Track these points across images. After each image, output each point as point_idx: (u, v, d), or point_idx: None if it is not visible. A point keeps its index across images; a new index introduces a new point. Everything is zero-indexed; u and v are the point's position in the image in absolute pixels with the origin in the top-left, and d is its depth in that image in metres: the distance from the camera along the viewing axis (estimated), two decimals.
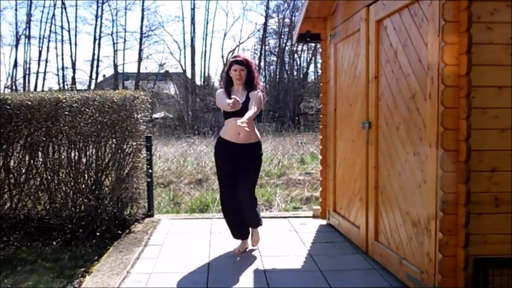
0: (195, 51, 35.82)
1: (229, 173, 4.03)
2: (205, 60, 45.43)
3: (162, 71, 36.00)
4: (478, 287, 2.72)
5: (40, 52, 33.45)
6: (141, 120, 5.02)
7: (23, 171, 4.84)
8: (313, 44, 24.44)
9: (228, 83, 4.11)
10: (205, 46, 40.98)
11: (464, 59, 2.64)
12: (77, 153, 4.81)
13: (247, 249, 4.18)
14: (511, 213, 2.77)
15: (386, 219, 3.59)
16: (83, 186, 4.87)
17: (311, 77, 35.38)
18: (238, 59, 4.07)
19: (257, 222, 4.17)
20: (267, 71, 36.82)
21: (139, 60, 34.78)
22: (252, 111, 3.79)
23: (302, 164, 10.45)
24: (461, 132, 2.67)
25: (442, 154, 2.73)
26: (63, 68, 34.60)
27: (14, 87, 32.02)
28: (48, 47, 34.05)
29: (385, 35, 3.60)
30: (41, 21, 38.36)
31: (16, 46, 34.30)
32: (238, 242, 4.21)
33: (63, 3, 34.39)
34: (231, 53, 37.45)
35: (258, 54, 36.17)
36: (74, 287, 3.55)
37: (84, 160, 4.83)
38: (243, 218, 4.09)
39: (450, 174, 2.71)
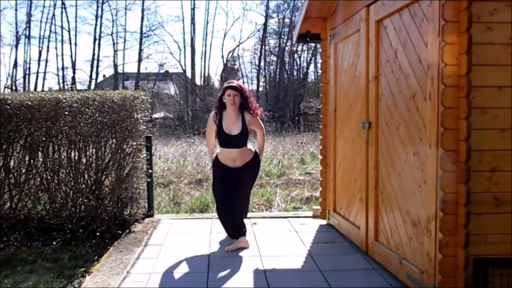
0: (195, 51, 35.86)
1: (226, 186, 4.25)
2: (205, 60, 45.47)
3: (162, 71, 36.02)
4: (478, 287, 2.72)
5: (40, 52, 33.48)
6: (141, 120, 5.02)
7: (23, 171, 4.84)
8: (313, 44, 24.45)
9: (221, 107, 4.28)
10: (205, 46, 40.99)
11: (464, 59, 2.64)
12: (77, 153, 4.81)
13: (243, 249, 4.18)
14: (511, 213, 2.77)
15: (386, 219, 3.59)
16: (83, 186, 4.86)
17: (311, 77, 35.40)
18: (232, 84, 4.25)
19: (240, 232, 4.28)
20: (267, 71, 36.85)
21: (139, 60, 34.80)
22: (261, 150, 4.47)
23: (302, 164, 10.45)
24: (461, 132, 2.67)
25: (442, 154, 2.72)
26: (63, 68, 34.63)
27: (14, 87, 32.03)
28: (48, 47, 34.08)
29: (385, 35, 3.60)
30: (41, 21, 38.35)
31: (16, 46, 34.33)
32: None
33: (63, 3, 34.42)
34: (231, 53, 37.53)
35: (258, 54, 36.18)
36: (74, 287, 3.55)
37: (84, 160, 4.83)
38: (238, 217, 4.28)
39: (450, 174, 2.71)
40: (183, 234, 4.75)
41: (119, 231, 4.78)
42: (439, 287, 2.78)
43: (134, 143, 4.93)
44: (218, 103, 4.29)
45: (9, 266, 4.01)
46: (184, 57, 49.86)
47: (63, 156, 4.83)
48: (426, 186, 2.94)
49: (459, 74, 2.68)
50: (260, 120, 4.39)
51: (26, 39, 33.32)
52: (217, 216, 4.48)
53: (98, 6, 34.58)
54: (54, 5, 41.05)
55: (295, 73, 35.93)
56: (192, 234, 4.76)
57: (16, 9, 44.03)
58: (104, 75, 37.42)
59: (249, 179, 4.38)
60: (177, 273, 3.61)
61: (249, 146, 4.35)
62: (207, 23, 50.53)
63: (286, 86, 34.05)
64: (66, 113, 4.66)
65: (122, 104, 4.77)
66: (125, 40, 35.78)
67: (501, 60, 2.74)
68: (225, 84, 4.30)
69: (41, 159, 4.84)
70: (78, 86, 31.42)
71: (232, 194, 4.24)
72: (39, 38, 33.51)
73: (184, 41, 44.86)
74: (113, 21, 44.59)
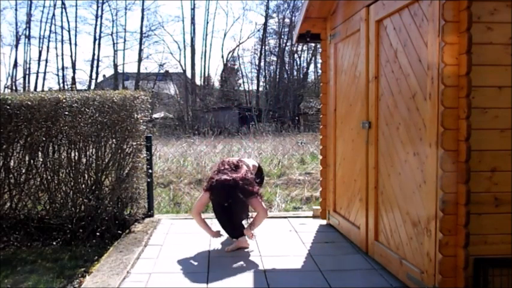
0: (195, 51, 35.90)
1: (225, 205, 4.20)
2: (205, 60, 45.46)
3: (162, 71, 36.06)
4: (478, 287, 2.72)
5: (40, 52, 33.53)
6: (141, 120, 5.02)
7: (23, 171, 4.84)
8: (313, 44, 24.46)
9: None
10: (205, 46, 41.05)
11: (464, 59, 2.64)
12: (77, 153, 4.81)
13: (243, 249, 4.18)
14: (511, 213, 2.77)
15: (386, 219, 3.59)
16: (83, 186, 4.87)
17: (311, 77, 35.47)
18: (222, 193, 4.12)
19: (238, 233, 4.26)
20: (267, 71, 36.89)
21: (139, 60, 34.84)
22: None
23: (302, 164, 10.45)
24: (461, 132, 2.67)
25: (442, 154, 2.72)
26: (63, 68, 34.70)
27: (14, 87, 32.06)
28: (48, 47, 34.14)
29: (385, 35, 3.60)
30: (41, 21, 38.40)
31: (16, 46, 34.37)
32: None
33: (63, 3, 34.48)
34: (231, 53, 37.58)
35: (258, 54, 36.22)
36: (74, 287, 3.55)
37: (84, 160, 4.83)
38: (237, 218, 4.28)
39: (450, 174, 2.71)
40: (183, 234, 4.75)
41: (119, 231, 4.78)
42: (439, 287, 2.78)
43: (134, 143, 4.93)
44: (209, 185, 4.24)
45: (9, 266, 4.01)
46: (184, 57, 49.88)
47: (63, 156, 4.83)
48: (426, 186, 2.94)
49: (459, 74, 2.68)
50: (257, 199, 4.22)
51: (26, 39, 33.42)
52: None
53: (98, 6, 34.69)
54: (54, 5, 41.12)
55: (295, 73, 35.99)
56: (192, 234, 4.76)
57: (16, 9, 44.24)
58: (104, 75, 37.48)
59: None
60: (177, 273, 3.61)
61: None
62: (207, 23, 50.65)
63: (286, 86, 34.08)
64: (66, 113, 4.66)
65: (122, 104, 4.77)
66: (125, 40, 35.90)
67: (501, 60, 2.74)
68: (217, 185, 4.14)
69: (41, 159, 4.84)
70: (78, 86, 31.50)
71: (231, 204, 4.23)
72: (39, 38, 33.63)
73: (184, 41, 45.02)
74: (113, 21, 44.73)
